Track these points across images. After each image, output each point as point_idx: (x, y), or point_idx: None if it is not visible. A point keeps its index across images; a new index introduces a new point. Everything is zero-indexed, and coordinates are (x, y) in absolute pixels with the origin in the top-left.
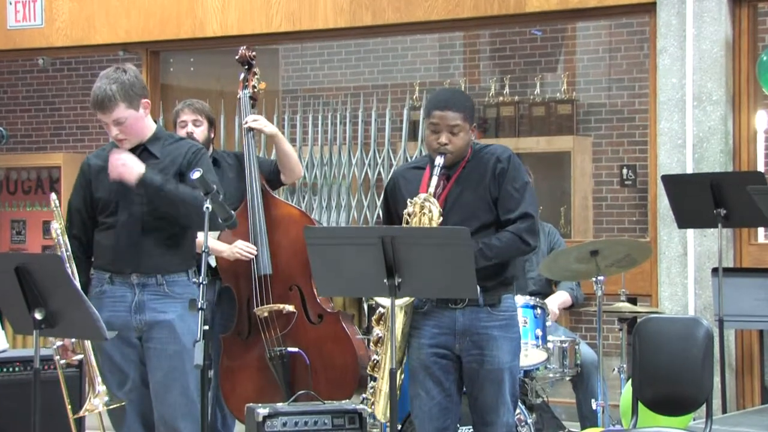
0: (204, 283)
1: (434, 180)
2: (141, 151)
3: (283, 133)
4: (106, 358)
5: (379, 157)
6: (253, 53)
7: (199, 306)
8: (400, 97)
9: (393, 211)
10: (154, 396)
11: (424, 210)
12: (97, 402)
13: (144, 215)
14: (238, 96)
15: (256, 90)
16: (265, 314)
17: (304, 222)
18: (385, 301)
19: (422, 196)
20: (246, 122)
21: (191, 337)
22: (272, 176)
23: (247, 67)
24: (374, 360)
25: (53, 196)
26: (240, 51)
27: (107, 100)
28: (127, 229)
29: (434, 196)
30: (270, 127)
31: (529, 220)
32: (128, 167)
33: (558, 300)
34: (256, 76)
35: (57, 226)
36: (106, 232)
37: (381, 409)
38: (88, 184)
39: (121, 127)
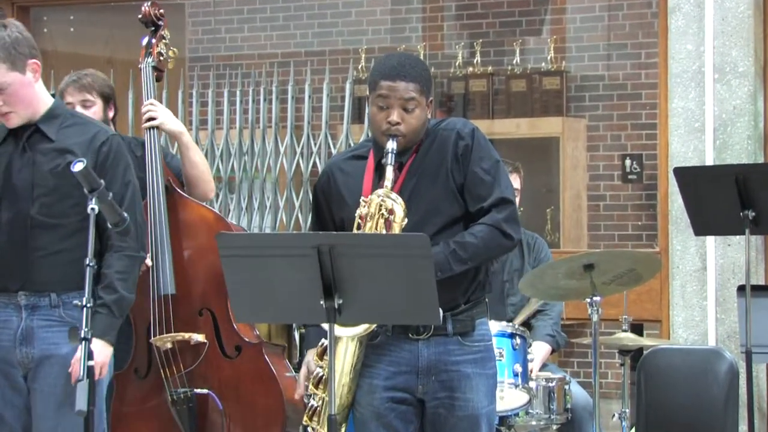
0: (89, 306)
1: (389, 171)
2: (32, 132)
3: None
4: None
5: (315, 144)
6: (161, 11)
7: (82, 335)
8: (341, 67)
9: (326, 216)
10: None
11: (383, 210)
12: None
13: (33, 213)
14: (139, 66)
15: (163, 59)
16: (168, 345)
17: (218, 227)
18: (337, 329)
19: (380, 192)
20: (143, 112)
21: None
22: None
23: (153, 29)
24: (312, 407)
25: None
26: (143, 8)
27: None
28: (10, 231)
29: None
30: (172, 123)
31: (508, 206)
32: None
33: (537, 357)
34: (164, 41)
35: None
36: None
37: None
38: None
39: (4, 95)
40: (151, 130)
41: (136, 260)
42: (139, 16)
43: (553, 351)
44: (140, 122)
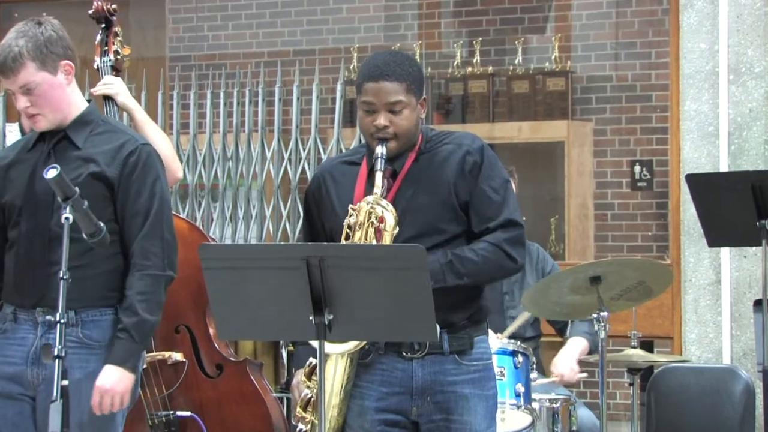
0: (63, 322)
1: (378, 177)
2: (59, 139)
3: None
4: None
5: (303, 149)
6: (113, 6)
7: (56, 353)
8: (331, 67)
9: (318, 225)
10: None
11: (373, 218)
12: None
13: (52, 225)
14: (95, 65)
15: (120, 57)
16: (144, 365)
17: (196, 239)
18: (325, 345)
19: (369, 199)
20: (94, 90)
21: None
22: None
23: (105, 25)
24: (300, 431)
25: None
26: (95, 3)
27: (11, 59)
28: (28, 244)
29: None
30: (126, 97)
31: (515, 228)
32: (111, 393)
33: (573, 353)
34: (117, 38)
35: None
36: (11, 251)
37: None
38: None
39: (32, 96)
40: (108, 102)
41: (161, 279)
42: (90, 11)
43: (590, 352)
44: None
